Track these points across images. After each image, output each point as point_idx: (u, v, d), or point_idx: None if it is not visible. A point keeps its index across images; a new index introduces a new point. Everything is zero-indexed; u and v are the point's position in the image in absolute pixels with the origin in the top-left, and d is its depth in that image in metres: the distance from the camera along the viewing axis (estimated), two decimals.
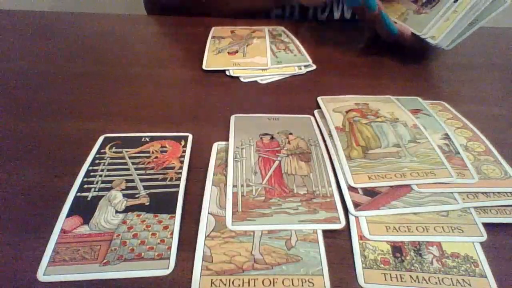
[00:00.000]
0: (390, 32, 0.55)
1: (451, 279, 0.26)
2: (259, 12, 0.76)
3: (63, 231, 0.28)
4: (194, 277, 0.26)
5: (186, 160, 0.35)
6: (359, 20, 0.77)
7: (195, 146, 0.38)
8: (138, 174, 0.33)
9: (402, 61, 0.58)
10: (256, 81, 0.51)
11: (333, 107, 0.43)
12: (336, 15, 0.76)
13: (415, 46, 0.57)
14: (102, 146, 0.37)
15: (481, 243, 0.28)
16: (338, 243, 0.29)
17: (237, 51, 0.57)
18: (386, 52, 0.59)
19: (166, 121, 0.42)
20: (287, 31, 0.66)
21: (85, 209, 0.30)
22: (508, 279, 0.26)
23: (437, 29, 0.53)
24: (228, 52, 0.56)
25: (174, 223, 0.29)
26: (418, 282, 0.26)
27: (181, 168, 0.34)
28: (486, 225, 0.29)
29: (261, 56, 0.55)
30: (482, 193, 0.32)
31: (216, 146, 0.37)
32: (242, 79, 0.51)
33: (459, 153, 0.36)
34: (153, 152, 0.36)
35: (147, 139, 0.38)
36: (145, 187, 0.32)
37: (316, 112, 0.44)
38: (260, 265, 0.26)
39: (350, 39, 0.66)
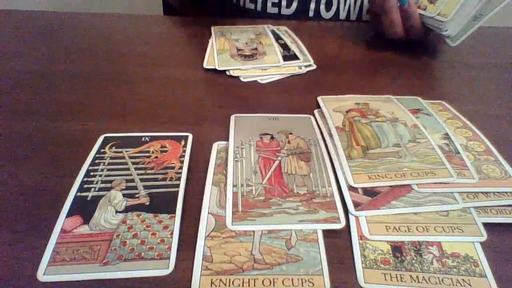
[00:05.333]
0: (401, 1, 0.55)
1: (451, 279, 0.26)
2: None
3: (63, 231, 0.28)
4: (194, 277, 0.26)
5: (186, 160, 0.35)
6: (363, 20, 0.77)
7: (195, 146, 0.38)
8: (138, 174, 0.33)
9: (402, 61, 0.58)
10: (256, 81, 0.51)
11: (333, 107, 0.43)
12: (342, 14, 0.76)
13: (420, 37, 0.57)
14: (102, 146, 0.37)
15: (481, 243, 0.28)
16: (338, 243, 0.28)
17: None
18: (386, 51, 0.59)
19: (166, 121, 0.42)
20: (289, 30, 0.66)
21: (85, 209, 0.30)
22: (508, 279, 0.26)
23: (446, 6, 0.52)
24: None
25: (174, 223, 0.29)
26: (418, 282, 0.26)
27: (181, 168, 0.34)
28: (486, 225, 0.29)
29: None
30: (482, 193, 0.32)
31: (216, 146, 0.37)
32: (242, 79, 0.51)
33: (459, 153, 0.36)
34: (153, 152, 0.36)
35: (147, 139, 0.38)
36: (145, 187, 0.32)
37: (316, 112, 0.43)
38: (260, 265, 0.26)
39: (351, 39, 0.66)
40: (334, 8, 0.75)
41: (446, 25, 0.53)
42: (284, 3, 0.74)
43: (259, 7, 0.76)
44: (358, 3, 0.75)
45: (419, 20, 0.56)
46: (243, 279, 0.25)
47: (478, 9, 0.51)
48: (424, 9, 0.55)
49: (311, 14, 0.75)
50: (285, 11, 0.75)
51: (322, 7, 0.74)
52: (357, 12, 0.76)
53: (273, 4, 0.75)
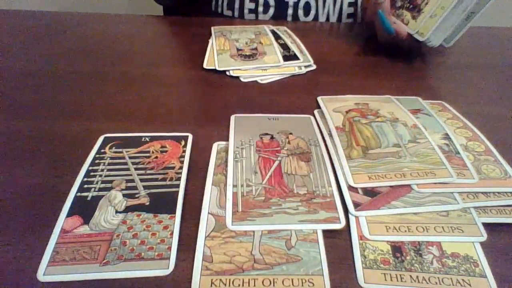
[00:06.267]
0: (387, 32, 0.55)
1: (451, 279, 0.26)
2: None
3: (63, 231, 0.28)
4: (194, 277, 0.25)
5: (186, 160, 0.35)
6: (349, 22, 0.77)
7: (195, 146, 0.38)
8: (138, 174, 0.33)
9: (402, 61, 0.58)
10: (256, 81, 0.51)
11: (333, 107, 0.43)
12: (322, 19, 0.76)
13: (413, 46, 0.57)
14: (102, 146, 0.37)
15: (481, 243, 0.28)
16: (338, 243, 0.29)
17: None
18: (385, 52, 0.59)
19: (166, 121, 0.42)
20: (289, 30, 0.66)
21: (85, 209, 0.30)
22: (508, 279, 0.26)
23: (424, 26, 0.53)
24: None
25: (174, 223, 0.29)
26: (418, 282, 0.26)
27: (181, 168, 0.34)
28: (486, 225, 0.29)
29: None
30: (482, 193, 0.32)
31: (216, 146, 0.37)
32: (242, 79, 0.51)
33: (459, 153, 0.36)
34: (153, 152, 0.36)
35: (147, 139, 0.38)
36: (145, 187, 0.32)
37: (316, 112, 0.43)
38: (260, 265, 0.26)
39: (350, 39, 0.66)
40: (312, 12, 0.74)
41: (425, 41, 0.53)
42: (260, 9, 0.74)
43: (236, 14, 0.76)
44: (337, 7, 0.75)
45: (406, 38, 0.56)
46: (243, 279, 0.25)
47: (469, 10, 0.51)
48: (407, 24, 0.55)
49: (289, 19, 0.75)
50: (262, 17, 0.75)
51: (300, 12, 0.74)
52: (337, 16, 0.76)
53: (250, 11, 0.75)
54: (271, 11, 0.74)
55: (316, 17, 0.75)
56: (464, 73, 0.56)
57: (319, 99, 0.45)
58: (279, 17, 0.74)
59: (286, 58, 0.55)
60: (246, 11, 0.75)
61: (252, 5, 0.74)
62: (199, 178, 0.34)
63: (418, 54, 0.60)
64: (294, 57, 0.55)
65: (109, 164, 0.35)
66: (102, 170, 0.34)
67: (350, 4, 0.75)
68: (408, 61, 0.58)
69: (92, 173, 0.33)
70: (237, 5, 0.75)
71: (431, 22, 0.52)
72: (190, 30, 0.68)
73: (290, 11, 0.74)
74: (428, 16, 0.52)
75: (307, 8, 0.74)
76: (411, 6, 0.56)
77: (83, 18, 0.72)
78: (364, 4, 0.67)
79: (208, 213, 0.30)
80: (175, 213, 0.30)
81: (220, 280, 0.25)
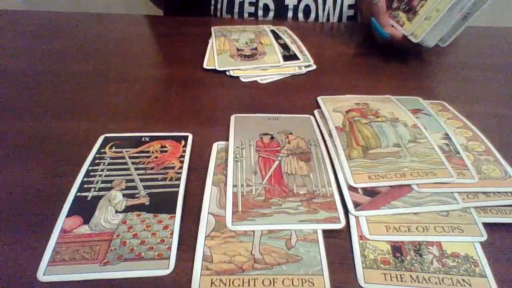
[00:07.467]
0: (381, 37, 0.56)
1: (451, 279, 0.26)
2: None
3: (63, 231, 0.28)
4: (194, 277, 0.26)
5: (186, 160, 0.35)
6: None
7: (195, 146, 0.38)
8: (138, 174, 0.33)
9: (401, 61, 0.58)
10: (256, 81, 0.51)
11: (333, 107, 0.43)
12: (322, 21, 0.76)
13: (410, 47, 0.57)
14: (102, 146, 0.37)
15: (481, 243, 0.28)
16: (338, 243, 0.29)
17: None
18: (385, 52, 0.59)
19: (166, 121, 0.42)
20: (289, 30, 0.66)
21: (85, 209, 0.30)
22: (508, 279, 0.26)
23: (419, 27, 0.53)
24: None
25: (174, 223, 0.29)
26: (418, 282, 0.26)
27: (181, 168, 0.34)
28: (486, 225, 0.29)
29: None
30: (482, 193, 0.32)
31: (216, 146, 0.37)
32: (242, 79, 0.51)
33: (459, 153, 0.36)
34: (153, 152, 0.36)
35: (147, 139, 0.38)
36: (145, 187, 0.32)
37: (316, 112, 0.43)
38: (260, 265, 0.26)
39: (350, 39, 0.66)
40: (312, 16, 0.74)
41: (419, 42, 0.53)
42: (260, 12, 0.74)
43: (235, 18, 0.76)
44: (337, 9, 0.75)
45: (403, 40, 0.56)
46: (243, 279, 0.25)
47: (465, 11, 0.51)
48: (402, 25, 0.56)
49: None
50: (262, 20, 0.75)
51: (300, 15, 0.74)
52: (337, 19, 0.76)
53: (250, 15, 0.75)
54: (271, 14, 0.74)
55: (316, 20, 0.75)
56: (464, 73, 0.56)
57: (319, 99, 0.45)
58: (279, 20, 0.74)
59: (286, 58, 0.55)
60: (245, 15, 0.75)
61: (251, 9, 0.74)
62: (199, 178, 0.34)
63: (418, 54, 0.60)
64: (294, 57, 0.55)
65: (109, 164, 0.35)
66: (102, 170, 0.34)
67: (350, 7, 0.75)
68: (408, 61, 0.58)
69: (92, 173, 0.33)
70: (236, 9, 0.75)
71: (425, 24, 0.52)
72: (190, 30, 0.68)
73: (290, 14, 0.74)
74: (423, 18, 0.53)
75: (307, 11, 0.74)
76: (407, 8, 0.56)
77: (82, 18, 0.72)
78: (359, 4, 0.67)
79: (208, 213, 0.30)
80: (175, 213, 0.30)
81: (220, 280, 0.25)
